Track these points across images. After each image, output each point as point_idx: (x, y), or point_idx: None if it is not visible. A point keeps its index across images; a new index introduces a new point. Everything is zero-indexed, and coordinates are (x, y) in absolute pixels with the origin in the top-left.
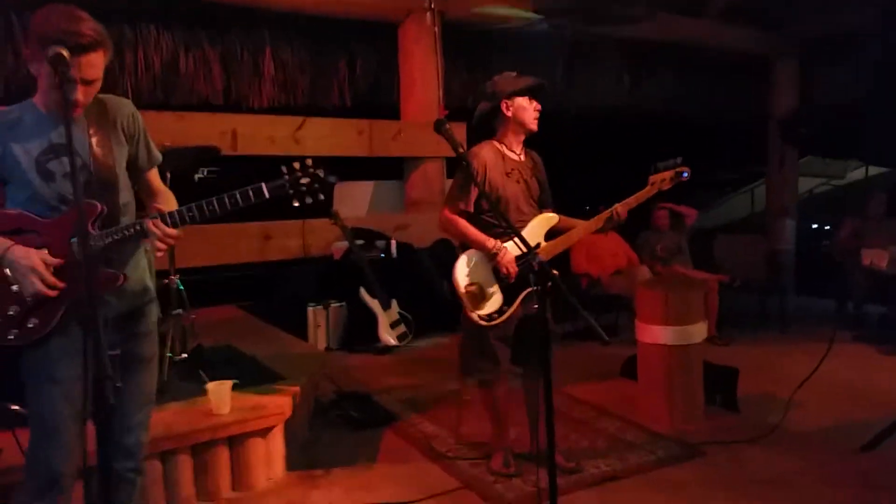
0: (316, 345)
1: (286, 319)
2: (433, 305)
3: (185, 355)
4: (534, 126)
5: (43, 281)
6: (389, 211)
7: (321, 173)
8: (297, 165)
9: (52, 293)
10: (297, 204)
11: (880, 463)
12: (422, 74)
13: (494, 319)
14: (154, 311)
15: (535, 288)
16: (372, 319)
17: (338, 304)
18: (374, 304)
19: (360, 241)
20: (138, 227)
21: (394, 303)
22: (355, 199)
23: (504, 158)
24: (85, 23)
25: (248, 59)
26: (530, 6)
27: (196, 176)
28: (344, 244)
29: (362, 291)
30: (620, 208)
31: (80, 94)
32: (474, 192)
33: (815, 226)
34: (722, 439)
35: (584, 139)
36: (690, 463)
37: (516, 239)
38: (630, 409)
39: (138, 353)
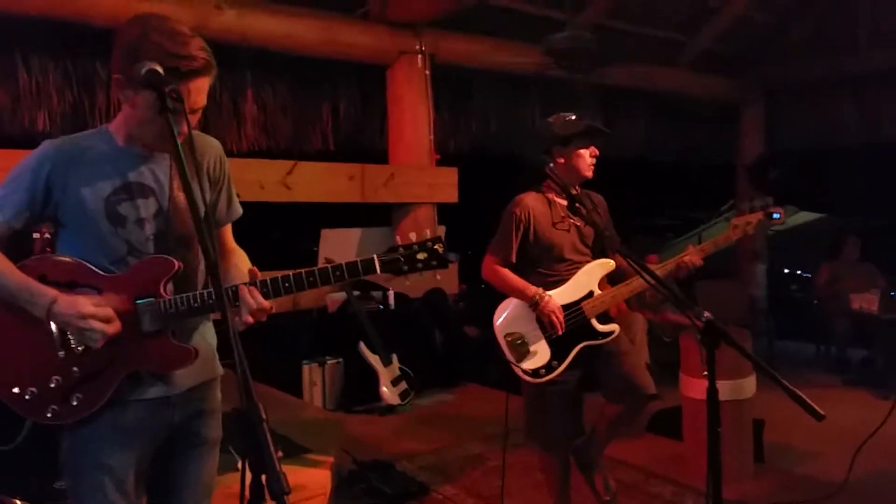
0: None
1: (277, 377)
2: (432, 359)
3: None
4: (589, 174)
5: (98, 321)
6: None
7: (440, 249)
8: (413, 236)
9: (114, 329)
10: (408, 283)
11: None
12: (412, 118)
13: (542, 376)
14: (218, 386)
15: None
16: (372, 376)
17: (334, 361)
18: (375, 359)
19: (356, 292)
20: (229, 294)
21: (394, 358)
22: (342, 247)
23: (552, 207)
24: (193, 42)
25: (227, 100)
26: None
27: None
28: (340, 295)
29: (362, 346)
30: (695, 256)
31: (184, 126)
32: (517, 242)
33: (786, 270)
34: (786, 500)
35: None
36: None
37: (565, 286)
38: (676, 469)
39: (203, 434)
